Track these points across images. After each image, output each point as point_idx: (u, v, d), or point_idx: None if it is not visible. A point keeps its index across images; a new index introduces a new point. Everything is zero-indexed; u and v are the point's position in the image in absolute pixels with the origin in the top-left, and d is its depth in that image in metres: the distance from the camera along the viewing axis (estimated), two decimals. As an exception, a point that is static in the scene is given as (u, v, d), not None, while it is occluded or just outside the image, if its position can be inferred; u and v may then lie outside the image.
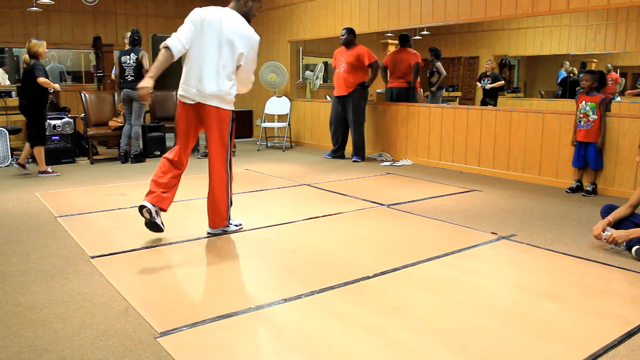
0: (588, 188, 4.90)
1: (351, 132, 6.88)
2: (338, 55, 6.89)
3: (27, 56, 5.83)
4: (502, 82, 8.67)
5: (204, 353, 2.04)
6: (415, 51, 7.41)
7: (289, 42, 8.71)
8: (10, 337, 2.15)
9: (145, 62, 6.62)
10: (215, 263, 3.12)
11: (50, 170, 5.88)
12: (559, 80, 9.22)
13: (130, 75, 6.58)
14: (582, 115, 4.89)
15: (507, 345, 2.10)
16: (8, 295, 2.58)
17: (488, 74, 8.73)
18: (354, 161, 6.83)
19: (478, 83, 9.01)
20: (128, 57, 6.63)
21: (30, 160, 6.34)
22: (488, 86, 8.55)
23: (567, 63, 9.04)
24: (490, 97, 8.67)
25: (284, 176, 5.77)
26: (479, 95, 9.35)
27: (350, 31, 6.76)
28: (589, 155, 4.89)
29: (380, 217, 4.12)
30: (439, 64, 8.72)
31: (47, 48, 9.00)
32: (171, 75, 11.18)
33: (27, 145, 5.96)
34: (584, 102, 4.89)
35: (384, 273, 2.85)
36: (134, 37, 6.70)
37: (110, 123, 6.98)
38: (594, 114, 4.82)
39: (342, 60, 6.77)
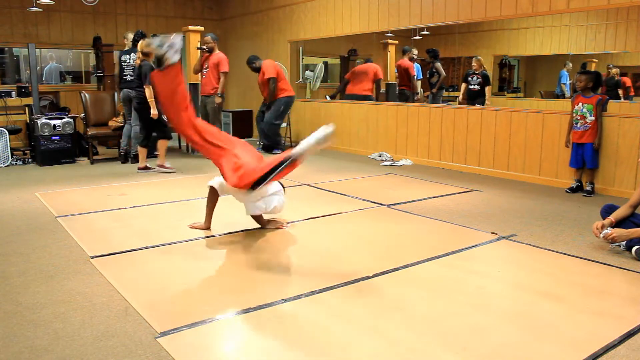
0: (588, 188, 4.90)
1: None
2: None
3: (140, 54, 5.95)
4: (490, 86, 8.18)
5: (204, 353, 2.04)
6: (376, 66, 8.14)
7: (289, 42, 8.71)
8: (10, 337, 2.15)
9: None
10: (215, 263, 3.12)
11: (168, 166, 6.07)
12: (565, 81, 9.16)
13: (130, 75, 6.57)
14: (579, 117, 4.88)
15: (507, 345, 2.10)
16: (8, 295, 2.58)
17: (477, 72, 8.20)
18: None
19: (463, 84, 8.60)
20: (128, 57, 6.63)
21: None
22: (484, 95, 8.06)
23: (570, 64, 9.02)
24: (477, 99, 8.14)
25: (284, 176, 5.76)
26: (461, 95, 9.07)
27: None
28: (586, 155, 4.88)
29: (380, 217, 4.12)
30: (438, 65, 8.72)
31: (47, 48, 9.06)
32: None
33: (160, 146, 6.13)
34: (580, 104, 4.88)
35: (384, 273, 2.85)
36: (136, 39, 6.69)
37: (110, 123, 6.98)
38: (591, 116, 4.81)
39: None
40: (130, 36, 7.07)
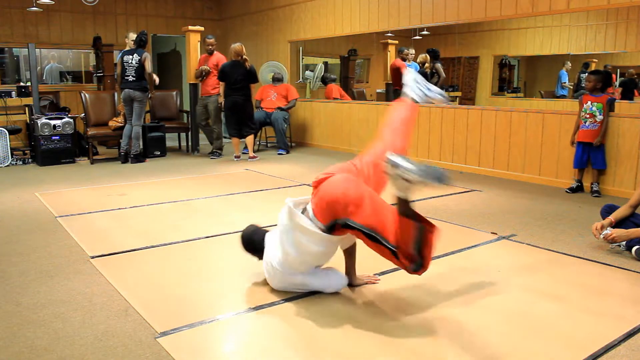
0: (595, 188, 4.88)
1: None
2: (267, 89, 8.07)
3: (247, 58, 6.75)
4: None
5: (204, 353, 2.04)
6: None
7: (289, 42, 8.71)
8: (10, 337, 2.15)
9: (148, 65, 6.58)
10: (215, 263, 3.12)
11: (256, 156, 7.03)
12: (565, 80, 9.14)
13: (132, 76, 6.55)
14: (588, 116, 4.85)
15: (507, 345, 2.10)
16: (8, 295, 2.58)
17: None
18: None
19: None
20: (131, 57, 6.60)
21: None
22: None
23: (569, 63, 9.02)
24: None
25: (284, 176, 5.77)
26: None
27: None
28: (596, 156, 4.85)
29: (380, 217, 4.11)
30: (438, 66, 8.70)
31: (47, 48, 9.06)
32: (172, 76, 11.01)
33: (248, 139, 6.99)
34: (589, 102, 4.84)
35: (384, 273, 2.85)
36: (141, 39, 6.66)
37: (110, 123, 6.97)
38: (600, 115, 4.79)
39: (273, 92, 8.01)
40: (132, 35, 7.06)
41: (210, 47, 7.16)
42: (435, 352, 2.04)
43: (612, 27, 7.68)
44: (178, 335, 2.17)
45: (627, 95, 7.15)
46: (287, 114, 7.86)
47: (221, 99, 7.03)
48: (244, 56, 6.69)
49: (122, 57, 6.70)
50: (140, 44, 6.68)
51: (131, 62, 6.58)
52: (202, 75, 7.19)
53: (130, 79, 6.55)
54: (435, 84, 8.86)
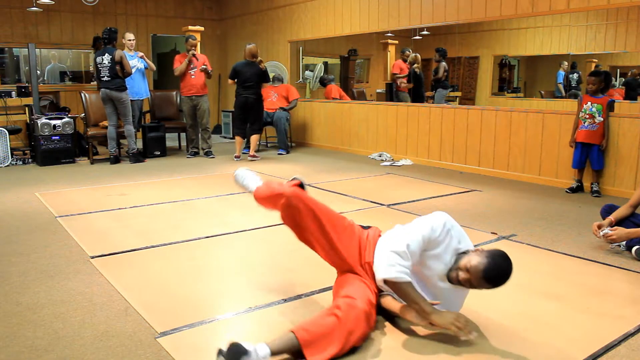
0: (595, 188, 4.88)
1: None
2: (269, 89, 7.97)
3: (261, 59, 6.93)
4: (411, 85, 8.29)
5: (204, 353, 2.04)
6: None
7: (289, 42, 8.71)
8: (10, 337, 2.15)
9: (125, 63, 6.48)
10: (216, 263, 3.12)
11: (257, 156, 7.06)
12: (560, 80, 9.14)
13: (107, 76, 6.44)
14: (587, 117, 4.86)
15: (507, 345, 2.10)
16: (8, 295, 2.58)
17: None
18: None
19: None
20: (102, 57, 6.47)
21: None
22: None
23: (565, 63, 9.02)
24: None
25: (284, 176, 5.77)
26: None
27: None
28: (593, 156, 4.87)
29: (380, 217, 4.11)
30: (443, 64, 8.72)
31: (47, 48, 9.06)
32: (172, 76, 11.02)
33: (253, 137, 7.07)
34: (589, 103, 4.84)
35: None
36: (104, 37, 6.55)
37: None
38: (599, 116, 4.79)
39: (273, 92, 8.00)
40: (129, 35, 7.05)
41: (193, 47, 7.13)
42: (435, 352, 2.04)
43: (612, 27, 7.68)
44: (178, 335, 2.17)
45: (630, 95, 7.15)
46: (289, 114, 7.87)
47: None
48: (259, 57, 6.88)
49: (95, 59, 6.64)
50: (106, 42, 6.55)
51: (103, 62, 6.46)
52: (208, 73, 7.17)
53: (106, 78, 6.45)
54: (445, 80, 8.85)
